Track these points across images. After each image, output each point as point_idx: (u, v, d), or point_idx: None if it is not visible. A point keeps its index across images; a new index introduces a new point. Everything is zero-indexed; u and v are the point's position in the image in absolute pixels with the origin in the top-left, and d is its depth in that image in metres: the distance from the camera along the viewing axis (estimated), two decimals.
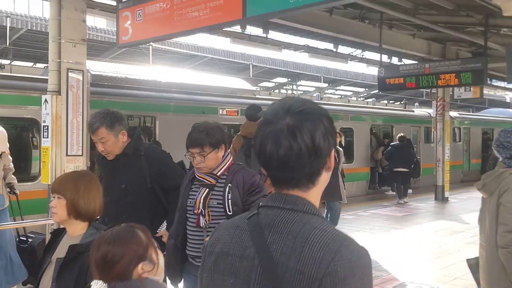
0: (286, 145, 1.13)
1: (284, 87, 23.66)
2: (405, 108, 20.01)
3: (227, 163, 2.70)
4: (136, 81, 9.61)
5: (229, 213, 2.54)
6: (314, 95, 20.71)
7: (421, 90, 22.13)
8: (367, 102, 23.47)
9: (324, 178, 1.19)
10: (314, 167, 1.15)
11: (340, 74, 22.04)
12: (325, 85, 23.69)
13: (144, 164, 3.07)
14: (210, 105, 10.18)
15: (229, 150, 2.83)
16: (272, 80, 23.70)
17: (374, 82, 19.88)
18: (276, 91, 23.64)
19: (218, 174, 2.66)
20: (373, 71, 20.77)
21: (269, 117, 1.20)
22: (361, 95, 27.70)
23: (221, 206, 2.59)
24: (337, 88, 25.64)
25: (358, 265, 1.06)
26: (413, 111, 17.22)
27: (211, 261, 1.20)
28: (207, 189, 2.64)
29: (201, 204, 2.61)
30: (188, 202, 2.70)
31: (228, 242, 1.18)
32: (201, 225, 2.60)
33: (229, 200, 2.58)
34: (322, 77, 20.71)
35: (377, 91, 13.89)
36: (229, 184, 2.61)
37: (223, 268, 1.17)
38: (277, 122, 1.17)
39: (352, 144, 13.46)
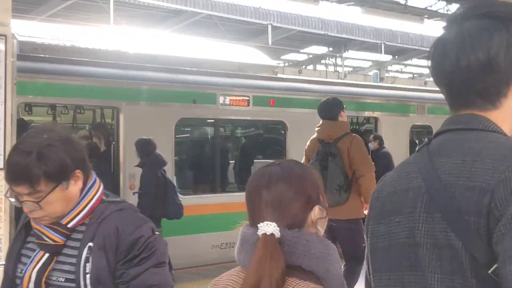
0: (452, 58, 1.46)
1: (323, 61, 23.62)
2: None
3: (91, 203, 2.20)
4: (90, 51, 9.72)
5: None
6: (370, 73, 20.62)
7: None
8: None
9: None
10: (488, 84, 1.45)
11: (411, 40, 21.90)
12: (388, 57, 23.53)
13: None
14: (205, 90, 10.29)
15: (96, 181, 2.27)
16: (303, 51, 23.65)
17: None
18: (310, 67, 23.61)
19: (70, 226, 2.17)
20: None
21: (449, 20, 1.51)
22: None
23: (73, 284, 2.13)
24: (407, 63, 25.48)
25: None
26: None
27: (378, 207, 1.57)
28: (48, 254, 2.17)
29: (31, 283, 2.15)
30: (18, 271, 2.23)
31: (395, 180, 1.55)
32: None
33: (87, 275, 2.11)
34: (382, 46, 20.62)
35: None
36: (89, 244, 2.13)
37: (390, 209, 1.53)
38: (451, 28, 1.48)
39: None
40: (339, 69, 22.35)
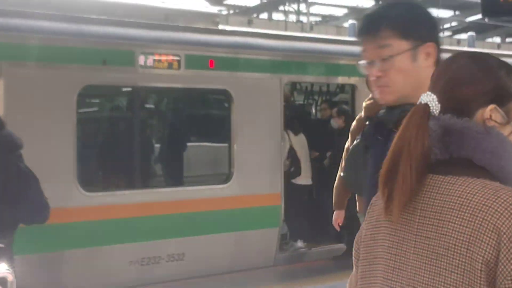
0: None
1: (281, 7, 23.62)
2: None
3: None
4: None
5: None
6: (346, 24, 20.70)
7: None
8: (459, 41, 23.56)
9: None
10: None
11: None
12: (370, 2, 23.64)
13: None
14: (119, 47, 10.28)
15: None
16: None
17: None
18: (263, 15, 23.57)
19: None
20: None
21: None
22: (446, 28, 27.72)
23: None
24: None
25: None
26: None
27: None
28: None
29: None
30: None
31: None
32: None
33: None
34: None
35: (479, 17, 13.97)
36: None
37: None
38: None
39: None
40: (303, 18, 22.42)
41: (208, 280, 10.54)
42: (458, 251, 1.95)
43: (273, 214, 11.57)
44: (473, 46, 17.83)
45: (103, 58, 10.01)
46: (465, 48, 17.81)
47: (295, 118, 13.09)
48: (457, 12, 25.78)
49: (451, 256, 1.95)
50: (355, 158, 6.82)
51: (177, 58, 10.72)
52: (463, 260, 1.93)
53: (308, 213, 12.74)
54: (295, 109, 14.54)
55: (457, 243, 1.95)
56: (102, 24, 10.24)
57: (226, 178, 11.31)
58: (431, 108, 2.11)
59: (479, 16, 17.82)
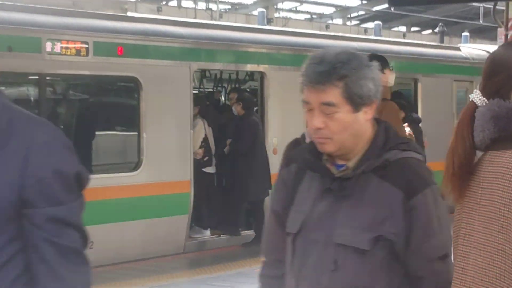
0: None
1: None
2: (442, 42, 20.64)
3: None
4: None
5: None
6: (255, 12, 20.76)
7: (475, 4, 22.68)
8: (366, 30, 23.85)
9: None
10: None
11: None
12: None
13: None
14: (25, 33, 10.12)
15: None
16: None
17: None
18: (173, 3, 23.45)
19: None
20: None
21: None
22: (353, 16, 28.04)
23: None
24: None
25: None
26: (458, 49, 17.92)
27: None
28: None
29: None
30: None
31: None
32: None
33: None
34: None
35: (386, 6, 14.21)
36: None
37: None
38: None
39: None
40: (212, 6, 22.37)
41: (117, 268, 10.48)
42: (502, 214, 2.29)
43: (182, 201, 11.56)
44: (380, 35, 18.10)
45: (8, 44, 9.85)
46: (372, 37, 18.06)
47: (210, 109, 13.22)
48: (364, 1, 26.09)
49: (498, 218, 2.29)
50: None
51: (85, 45, 10.61)
52: (506, 221, 2.27)
53: (216, 201, 12.80)
54: (204, 97, 14.57)
55: (501, 207, 2.30)
56: (7, 9, 10.06)
57: (135, 165, 11.27)
58: (477, 102, 2.44)
59: (385, 5, 18.27)
